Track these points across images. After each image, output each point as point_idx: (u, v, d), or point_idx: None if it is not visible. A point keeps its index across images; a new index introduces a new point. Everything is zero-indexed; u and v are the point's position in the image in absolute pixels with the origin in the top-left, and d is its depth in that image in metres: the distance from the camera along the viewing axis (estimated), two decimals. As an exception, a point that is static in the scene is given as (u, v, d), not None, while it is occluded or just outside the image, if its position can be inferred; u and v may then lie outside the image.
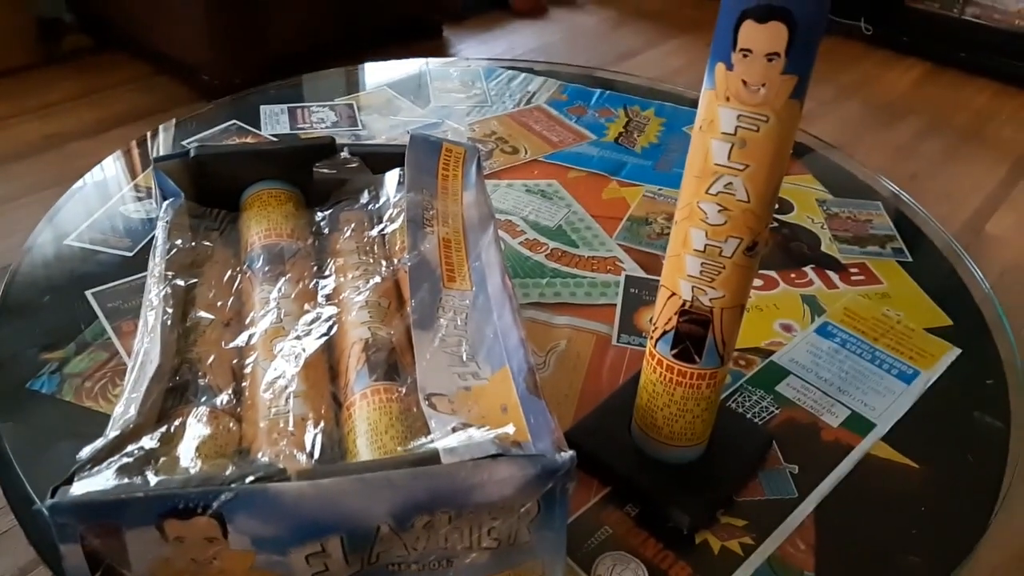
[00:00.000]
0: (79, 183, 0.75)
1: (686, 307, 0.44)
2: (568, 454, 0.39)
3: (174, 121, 0.85)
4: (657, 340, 0.47)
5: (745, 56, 0.36)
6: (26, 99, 2.29)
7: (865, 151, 2.19)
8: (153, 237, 0.54)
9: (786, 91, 0.36)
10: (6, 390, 0.54)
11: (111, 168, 0.78)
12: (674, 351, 0.46)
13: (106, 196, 0.74)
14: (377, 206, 0.59)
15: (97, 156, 0.78)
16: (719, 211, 0.40)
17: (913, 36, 2.78)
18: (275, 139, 0.83)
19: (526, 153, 0.85)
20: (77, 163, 2.02)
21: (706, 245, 0.42)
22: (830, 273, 0.71)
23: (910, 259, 0.73)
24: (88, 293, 0.62)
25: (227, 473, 0.35)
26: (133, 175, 0.77)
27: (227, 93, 0.91)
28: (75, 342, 0.58)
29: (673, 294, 0.44)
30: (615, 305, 0.65)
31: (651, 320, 0.47)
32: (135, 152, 0.81)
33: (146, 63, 2.47)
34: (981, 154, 2.21)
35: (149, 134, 0.83)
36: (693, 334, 0.45)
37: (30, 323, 0.60)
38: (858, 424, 0.57)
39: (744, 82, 0.37)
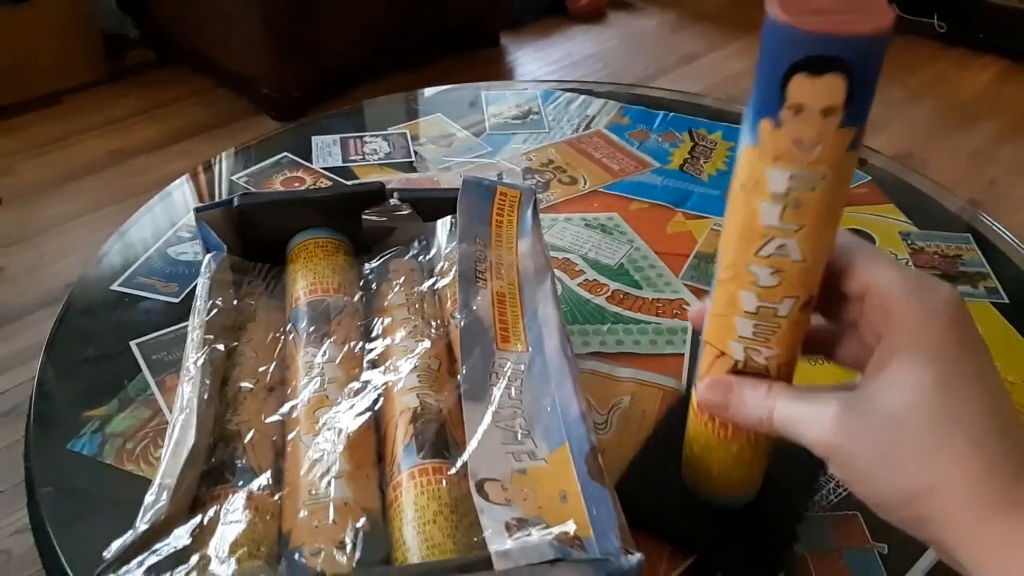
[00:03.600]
0: (127, 222, 0.74)
1: (738, 367, 0.40)
2: (636, 557, 0.35)
3: (234, 150, 0.84)
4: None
5: (797, 113, 0.31)
6: (91, 115, 2.34)
7: (937, 157, 2.09)
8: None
9: (843, 145, 0.32)
10: (47, 451, 0.53)
11: (166, 205, 0.76)
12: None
13: (157, 234, 0.72)
14: (428, 257, 0.56)
15: (159, 171, 0.77)
16: (772, 273, 0.36)
17: (989, 33, 2.66)
18: (326, 172, 0.81)
19: (585, 183, 0.81)
20: (139, 179, 2.05)
21: (759, 307, 0.37)
22: (916, 316, 0.65)
23: (1006, 300, 0.67)
24: (133, 344, 0.60)
25: (260, 584, 0.32)
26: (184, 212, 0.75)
27: (285, 105, 0.90)
28: (118, 398, 0.56)
29: (723, 353, 0.40)
30: (683, 355, 0.61)
31: (698, 375, 0.43)
32: (186, 189, 0.79)
33: (207, 77, 2.50)
34: (1066, 159, 2.09)
35: (201, 168, 0.81)
36: None
37: (73, 375, 0.59)
38: (954, 495, 0.51)
39: (797, 141, 0.32)
